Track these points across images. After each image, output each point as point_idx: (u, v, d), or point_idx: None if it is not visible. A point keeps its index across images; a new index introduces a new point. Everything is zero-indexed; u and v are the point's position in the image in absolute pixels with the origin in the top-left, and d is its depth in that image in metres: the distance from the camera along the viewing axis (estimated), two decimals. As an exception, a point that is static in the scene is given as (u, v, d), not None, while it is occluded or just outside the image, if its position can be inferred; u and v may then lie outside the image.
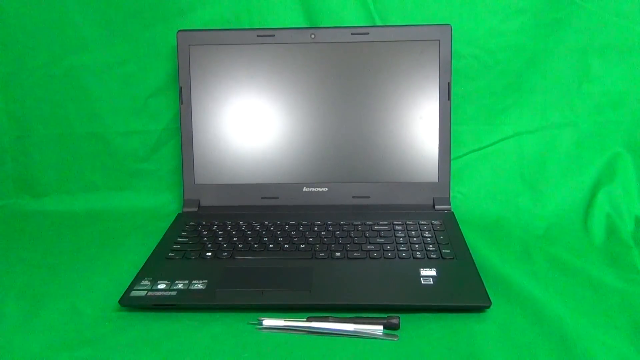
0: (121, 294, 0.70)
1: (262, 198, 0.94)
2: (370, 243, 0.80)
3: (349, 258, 0.77)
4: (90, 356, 0.62)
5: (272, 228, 0.86)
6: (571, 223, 0.92)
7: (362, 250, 0.79)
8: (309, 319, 0.65)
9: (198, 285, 0.71)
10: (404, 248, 0.79)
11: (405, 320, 0.65)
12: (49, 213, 1.02)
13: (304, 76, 0.92)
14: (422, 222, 0.86)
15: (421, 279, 0.71)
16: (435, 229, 0.85)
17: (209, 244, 0.82)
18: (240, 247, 0.80)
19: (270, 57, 0.92)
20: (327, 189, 0.93)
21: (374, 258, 0.77)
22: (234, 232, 0.85)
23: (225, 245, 0.81)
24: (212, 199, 0.94)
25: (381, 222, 0.86)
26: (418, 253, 0.77)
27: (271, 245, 0.81)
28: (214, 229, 0.86)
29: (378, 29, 0.92)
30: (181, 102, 0.93)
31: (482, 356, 0.60)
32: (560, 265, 0.79)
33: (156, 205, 1.03)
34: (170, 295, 0.69)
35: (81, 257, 0.85)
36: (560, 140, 0.98)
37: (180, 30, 0.93)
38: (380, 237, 0.82)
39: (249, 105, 0.93)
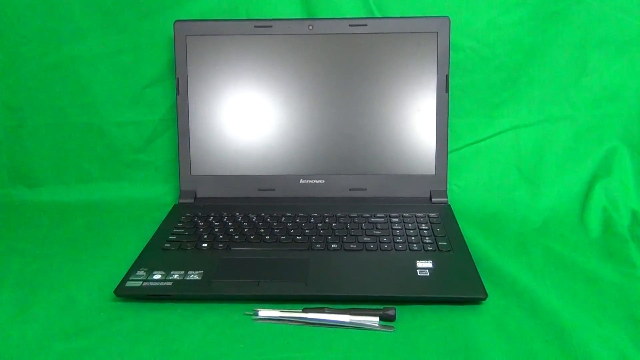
0: (117, 284, 0.70)
1: (259, 189, 0.93)
2: (366, 235, 0.80)
3: (345, 250, 0.77)
4: (85, 346, 0.61)
5: (268, 219, 0.86)
6: (568, 216, 0.92)
7: (358, 242, 0.79)
8: (304, 310, 0.65)
9: (194, 275, 0.71)
10: (401, 240, 0.79)
11: (402, 311, 0.65)
12: (44, 203, 1.02)
13: (302, 67, 0.92)
14: (419, 215, 0.86)
15: (417, 270, 0.71)
16: (432, 221, 0.84)
17: (205, 235, 0.81)
18: (236, 238, 0.80)
19: (268, 48, 0.91)
20: (323, 180, 0.93)
21: (371, 250, 0.77)
22: (230, 224, 0.84)
23: (221, 236, 0.81)
24: (208, 190, 0.94)
25: (378, 215, 0.86)
26: (414, 245, 0.77)
27: (267, 237, 0.80)
28: (210, 220, 0.86)
29: (376, 21, 0.92)
30: (178, 93, 0.93)
31: (477, 348, 0.60)
32: (556, 259, 0.79)
33: (152, 196, 1.02)
34: (165, 285, 0.69)
35: (77, 247, 0.85)
36: (557, 134, 0.98)
37: (177, 21, 0.92)
38: (377, 229, 0.82)
39: (246, 96, 0.93)
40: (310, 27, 0.91)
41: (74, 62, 1.00)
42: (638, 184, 0.95)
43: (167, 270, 0.72)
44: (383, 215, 0.86)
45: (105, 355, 0.60)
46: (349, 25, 0.91)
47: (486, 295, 0.67)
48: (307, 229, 0.82)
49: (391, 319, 0.64)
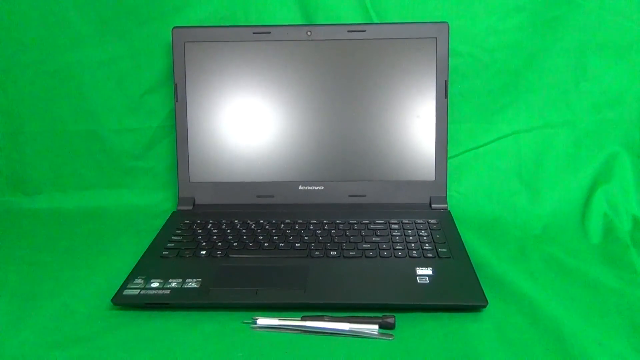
0: (114, 293, 0.69)
1: (258, 196, 0.93)
2: (366, 242, 0.80)
3: (344, 257, 0.77)
4: (82, 355, 0.61)
5: (267, 226, 0.85)
6: (568, 222, 0.92)
7: (357, 249, 0.78)
8: (303, 318, 0.65)
9: (192, 284, 0.70)
10: (400, 247, 0.78)
11: (401, 319, 0.65)
12: (42, 211, 1.02)
13: (300, 74, 0.91)
14: (419, 221, 0.86)
15: (417, 278, 0.71)
16: (431, 227, 0.84)
17: (204, 242, 0.81)
18: (235, 246, 0.80)
19: (266, 55, 0.91)
20: (323, 187, 0.93)
21: (370, 257, 0.76)
22: (228, 231, 0.84)
23: (219, 244, 0.80)
24: (207, 197, 0.93)
25: (377, 221, 0.86)
26: (414, 252, 0.77)
27: (266, 244, 0.80)
28: (208, 227, 0.86)
29: (375, 27, 0.92)
30: (176, 100, 0.93)
31: (477, 356, 0.60)
32: (556, 265, 0.79)
33: (150, 203, 1.02)
34: (163, 294, 0.69)
35: (74, 255, 0.84)
36: (557, 139, 0.97)
37: (175, 27, 0.92)
38: (376, 235, 0.82)
39: (245, 102, 0.92)
40: (309, 33, 0.91)
41: (72, 69, 1.00)
42: (639, 189, 0.94)
43: (165, 278, 0.71)
44: (382, 221, 0.86)
45: (102, 364, 0.60)
46: (348, 31, 0.91)
47: (486, 302, 0.66)
48: (306, 236, 0.82)
49: (390, 327, 0.64)
